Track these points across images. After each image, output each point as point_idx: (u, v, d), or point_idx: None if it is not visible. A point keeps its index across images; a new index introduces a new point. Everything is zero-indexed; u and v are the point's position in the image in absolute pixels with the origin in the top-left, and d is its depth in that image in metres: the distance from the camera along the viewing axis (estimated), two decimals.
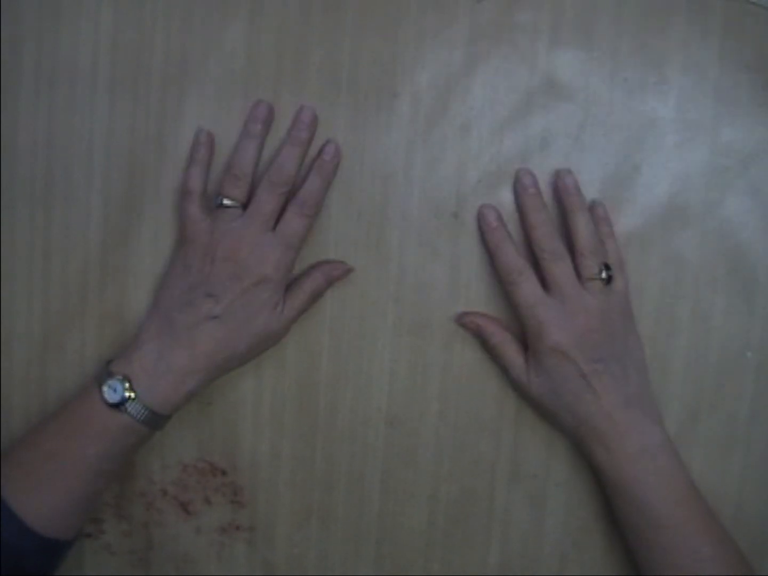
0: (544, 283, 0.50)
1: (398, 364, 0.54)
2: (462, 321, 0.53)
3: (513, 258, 0.50)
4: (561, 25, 0.51)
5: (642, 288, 0.52)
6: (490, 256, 0.52)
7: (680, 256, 0.52)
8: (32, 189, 0.55)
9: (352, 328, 0.54)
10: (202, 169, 0.52)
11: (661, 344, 0.52)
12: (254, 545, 0.57)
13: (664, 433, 0.50)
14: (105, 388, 0.48)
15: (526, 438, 0.54)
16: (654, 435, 0.49)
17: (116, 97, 0.54)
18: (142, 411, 0.48)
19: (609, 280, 0.49)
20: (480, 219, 0.52)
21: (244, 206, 0.50)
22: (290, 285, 0.52)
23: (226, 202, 0.50)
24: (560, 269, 0.49)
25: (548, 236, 0.50)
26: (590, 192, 0.52)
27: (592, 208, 0.51)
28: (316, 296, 0.53)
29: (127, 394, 0.48)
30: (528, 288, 0.50)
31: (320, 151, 0.52)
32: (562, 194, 0.51)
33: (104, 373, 0.49)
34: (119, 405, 0.48)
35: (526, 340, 0.51)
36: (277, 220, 0.50)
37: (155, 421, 0.49)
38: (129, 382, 0.48)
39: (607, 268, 0.49)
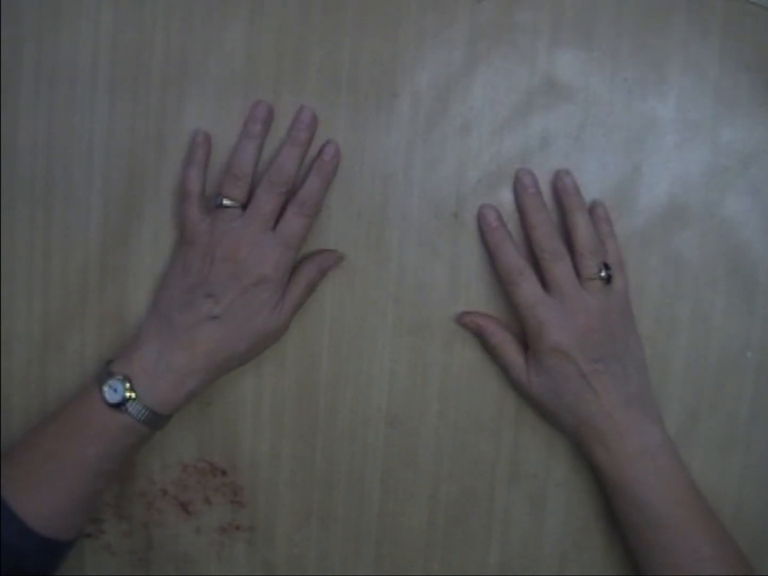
0: (544, 283, 0.50)
1: (398, 364, 0.54)
2: (462, 320, 0.53)
3: (513, 258, 0.50)
4: (561, 25, 0.51)
5: (642, 288, 0.52)
6: (490, 256, 0.52)
7: (680, 256, 0.52)
8: (32, 189, 0.55)
9: (352, 328, 0.54)
10: (200, 170, 0.52)
11: (661, 344, 0.52)
12: (254, 545, 0.57)
13: (664, 432, 0.50)
14: (105, 388, 0.48)
15: (526, 438, 0.54)
16: (654, 435, 0.49)
17: (116, 97, 0.54)
18: (143, 411, 0.48)
19: (608, 279, 0.49)
20: (480, 219, 0.52)
21: (244, 206, 0.50)
22: None
23: (225, 202, 0.50)
24: (560, 269, 0.49)
25: (548, 236, 0.50)
26: (590, 192, 0.52)
27: (591, 208, 0.51)
28: (311, 288, 0.53)
29: (127, 394, 0.48)
30: (528, 288, 0.50)
31: (320, 152, 0.52)
32: (561, 194, 0.51)
33: (104, 373, 0.49)
34: (120, 405, 0.48)
35: (526, 340, 0.51)
36: (278, 220, 0.50)
37: (155, 421, 0.49)
38: (129, 382, 0.49)
39: (607, 267, 0.49)
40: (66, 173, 0.54)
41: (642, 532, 0.48)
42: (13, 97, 0.54)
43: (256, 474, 0.56)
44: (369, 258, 0.54)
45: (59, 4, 0.53)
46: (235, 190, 0.50)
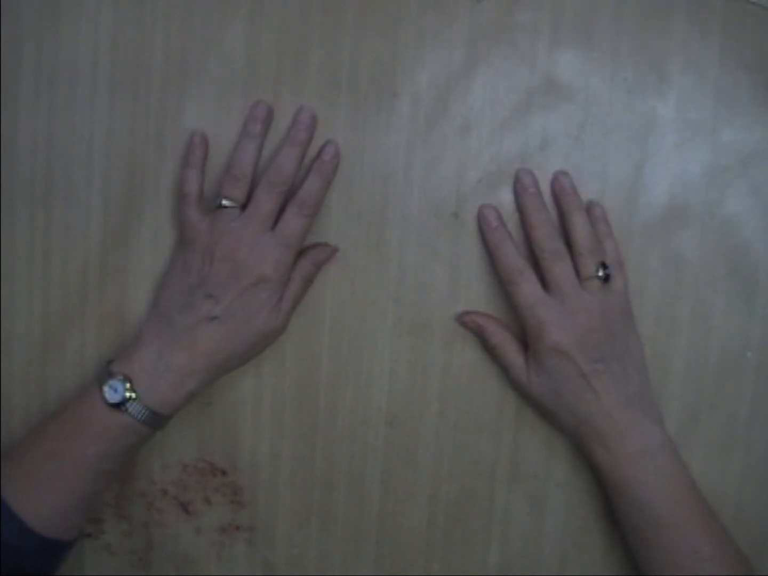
0: (544, 283, 0.50)
1: (398, 364, 0.54)
2: (463, 320, 0.53)
3: (513, 258, 0.50)
4: (561, 25, 0.51)
5: (642, 288, 0.52)
6: (490, 256, 0.52)
7: (680, 256, 0.52)
8: (32, 189, 0.55)
9: (352, 328, 0.54)
10: (198, 171, 0.52)
11: (661, 344, 0.52)
12: (254, 545, 0.57)
13: (664, 432, 0.50)
14: (106, 389, 0.48)
15: (526, 438, 0.54)
16: (654, 435, 0.49)
17: (116, 97, 0.54)
18: (143, 411, 0.48)
19: (607, 278, 0.49)
20: (480, 219, 0.52)
21: (244, 206, 0.50)
22: None
23: (225, 202, 0.50)
24: (560, 269, 0.49)
25: (548, 236, 0.50)
26: (590, 192, 0.52)
27: (589, 208, 0.51)
28: (307, 284, 0.53)
29: (127, 394, 0.48)
30: (528, 288, 0.50)
31: (320, 152, 0.52)
32: (559, 195, 0.51)
33: (105, 373, 0.49)
34: (120, 405, 0.48)
35: (526, 340, 0.51)
36: (278, 220, 0.50)
37: (156, 421, 0.49)
38: (130, 382, 0.49)
39: (605, 267, 0.49)
40: (66, 173, 0.54)
41: (642, 532, 0.48)
42: (13, 97, 0.54)
43: (256, 474, 0.56)
44: (369, 258, 0.54)
45: (59, 4, 0.53)
46: (235, 191, 0.50)
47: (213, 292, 0.49)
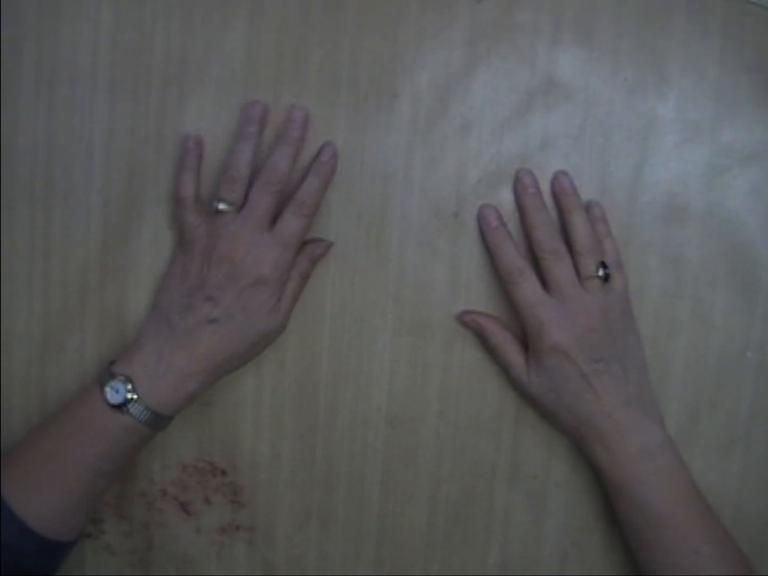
0: (544, 282, 0.50)
1: (398, 364, 0.54)
2: (463, 319, 0.53)
3: (513, 258, 0.50)
4: (561, 25, 0.51)
5: (642, 288, 0.52)
6: (491, 256, 0.52)
7: (680, 256, 0.52)
8: (32, 189, 0.55)
9: (352, 328, 0.54)
10: (193, 174, 0.52)
11: (661, 344, 0.52)
12: (254, 545, 0.57)
13: (664, 432, 0.50)
14: (107, 389, 0.48)
15: (526, 438, 0.54)
16: (654, 434, 0.49)
17: (116, 97, 0.54)
18: (144, 412, 0.48)
19: (607, 278, 0.49)
20: (480, 219, 0.52)
21: (242, 207, 0.50)
22: None
23: (221, 206, 0.50)
24: (560, 269, 0.49)
25: (548, 236, 0.50)
26: (590, 192, 0.52)
27: (588, 208, 0.51)
28: (305, 280, 0.53)
29: (129, 395, 0.48)
30: (528, 288, 0.50)
31: (318, 153, 0.52)
32: (559, 195, 0.51)
33: (106, 374, 0.49)
34: (121, 406, 0.48)
35: (526, 340, 0.51)
36: (276, 220, 0.50)
37: (157, 422, 0.49)
38: (131, 383, 0.49)
39: (605, 266, 0.49)
40: (66, 173, 0.54)
41: (642, 532, 0.48)
42: (13, 97, 0.54)
43: (256, 474, 0.56)
44: (369, 258, 0.54)
45: (59, 4, 0.53)
46: (231, 193, 0.50)
47: (212, 295, 0.49)
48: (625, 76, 0.51)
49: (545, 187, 0.52)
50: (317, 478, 0.56)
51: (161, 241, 0.54)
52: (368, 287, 0.54)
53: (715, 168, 0.51)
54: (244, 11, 0.53)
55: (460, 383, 0.54)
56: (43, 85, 0.54)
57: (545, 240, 0.50)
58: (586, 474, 0.53)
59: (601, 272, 0.49)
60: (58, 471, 0.48)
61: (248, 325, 0.50)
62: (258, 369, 0.55)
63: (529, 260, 0.51)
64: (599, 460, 0.49)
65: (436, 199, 0.53)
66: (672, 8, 0.51)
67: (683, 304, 0.52)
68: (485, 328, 0.52)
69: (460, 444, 0.54)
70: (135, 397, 0.48)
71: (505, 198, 0.52)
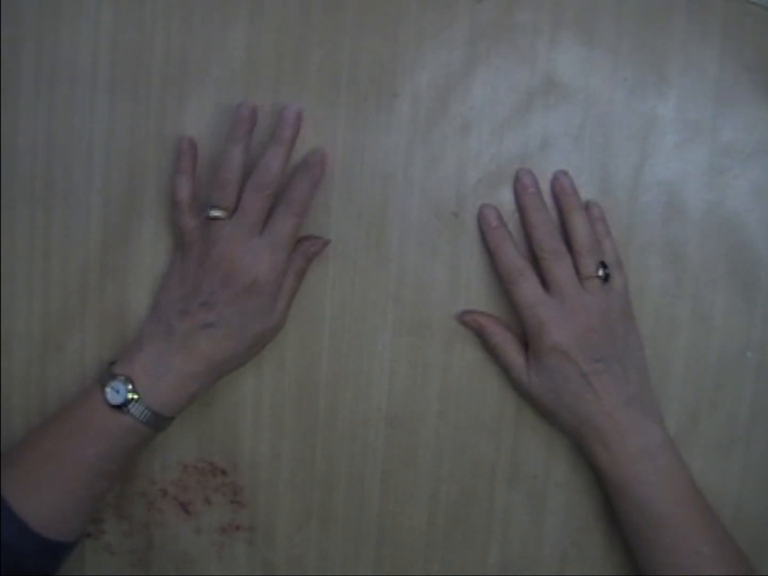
0: (544, 282, 0.50)
1: (398, 364, 0.54)
2: (464, 319, 0.53)
3: (513, 258, 0.50)
4: (561, 25, 0.51)
5: (642, 288, 0.52)
6: (491, 255, 0.52)
7: (680, 256, 0.52)
8: (32, 189, 0.55)
9: (352, 328, 0.54)
10: (188, 177, 0.51)
11: (661, 344, 0.52)
12: (254, 545, 0.57)
13: (664, 432, 0.50)
14: (107, 390, 0.48)
15: (526, 438, 0.54)
16: (654, 434, 0.49)
17: (116, 97, 0.54)
18: (145, 412, 0.48)
19: (606, 278, 0.49)
20: (480, 219, 0.52)
21: (236, 210, 0.49)
22: None
23: (213, 212, 0.49)
24: (561, 269, 0.49)
25: (549, 236, 0.50)
26: (590, 192, 0.52)
27: (587, 208, 0.51)
28: (301, 277, 0.52)
29: (129, 395, 0.48)
30: (528, 288, 0.50)
31: (307, 155, 0.51)
32: (559, 195, 0.51)
33: (106, 374, 0.49)
34: (122, 406, 0.48)
35: (526, 340, 0.51)
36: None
37: (157, 422, 0.49)
38: (131, 383, 0.49)
39: (605, 266, 0.49)
40: (66, 173, 0.54)
41: (642, 532, 0.48)
42: (13, 97, 0.54)
43: (256, 474, 0.56)
44: (369, 258, 0.54)
45: (59, 4, 0.53)
46: (223, 198, 0.49)
47: (207, 300, 0.49)
48: (625, 76, 0.51)
49: (545, 187, 0.52)
50: (317, 478, 0.56)
51: (161, 241, 0.54)
52: (368, 287, 0.54)
53: (715, 168, 0.51)
54: (244, 11, 0.53)
55: (460, 383, 0.54)
56: (43, 85, 0.54)
57: (545, 240, 0.50)
58: (586, 474, 0.53)
59: (601, 272, 0.49)
60: (58, 471, 0.48)
61: (245, 327, 0.50)
62: (258, 369, 0.55)
63: (529, 260, 0.51)
64: (599, 460, 0.49)
65: (436, 199, 0.53)
66: (672, 8, 0.51)
67: (683, 304, 0.52)
68: (486, 327, 0.52)
69: (460, 444, 0.54)
70: (135, 397, 0.48)
71: (505, 198, 0.52)
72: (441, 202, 0.53)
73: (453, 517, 0.55)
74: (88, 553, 0.57)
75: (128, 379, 0.49)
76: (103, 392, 0.48)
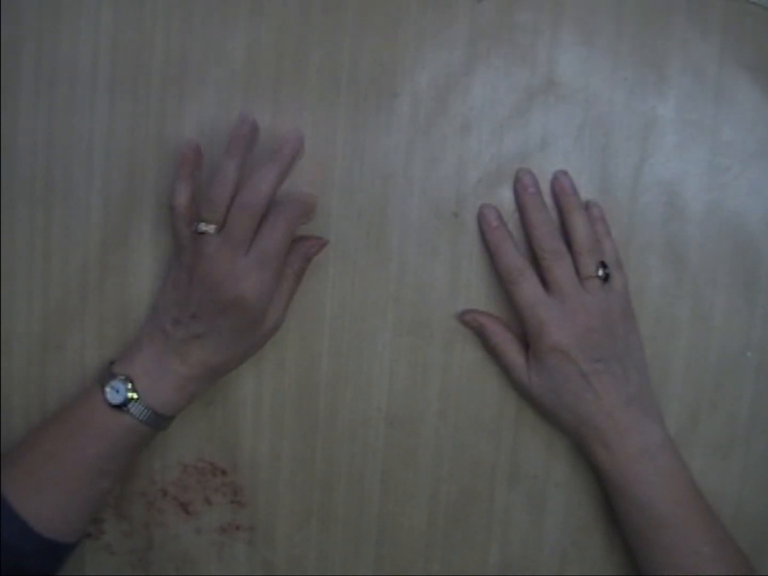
0: (545, 282, 0.50)
1: (398, 364, 0.54)
2: (464, 318, 0.53)
3: (513, 257, 0.50)
4: (561, 25, 0.51)
5: (642, 288, 0.52)
6: (491, 255, 0.52)
7: (680, 256, 0.52)
8: (32, 189, 0.55)
9: (352, 328, 0.54)
10: (188, 184, 0.49)
11: (661, 344, 0.52)
12: (254, 545, 0.57)
13: (664, 432, 0.50)
14: (107, 389, 0.48)
15: (526, 438, 0.54)
16: (654, 434, 0.49)
17: (116, 97, 0.54)
18: (145, 411, 0.48)
19: (606, 278, 0.49)
20: (480, 219, 0.52)
21: (224, 226, 0.48)
22: None
23: (201, 227, 0.48)
24: (561, 269, 0.49)
25: (549, 236, 0.50)
26: (590, 192, 0.52)
27: (587, 208, 0.51)
28: (299, 278, 0.52)
29: (129, 394, 0.48)
30: (528, 288, 0.50)
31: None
32: (558, 195, 0.51)
33: (106, 373, 0.49)
34: (122, 406, 0.48)
35: (526, 339, 0.51)
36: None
37: (158, 421, 0.49)
38: (131, 382, 0.49)
39: (605, 266, 0.49)
40: (66, 173, 0.54)
41: (642, 532, 0.48)
42: (13, 97, 0.54)
43: (256, 474, 0.56)
44: (369, 258, 0.54)
45: (59, 4, 0.53)
46: (211, 214, 0.47)
47: (196, 312, 0.48)
48: (625, 76, 0.51)
49: (545, 187, 0.52)
50: (317, 478, 0.56)
51: (161, 241, 0.54)
52: (368, 287, 0.54)
53: (715, 168, 0.51)
54: (244, 11, 0.53)
55: (460, 383, 0.54)
56: (43, 85, 0.54)
57: (545, 240, 0.50)
58: (586, 474, 0.53)
59: (600, 272, 0.49)
60: (58, 471, 0.48)
61: (235, 339, 0.49)
62: (258, 369, 0.55)
63: (529, 260, 0.51)
64: (599, 460, 0.49)
65: (436, 199, 0.53)
66: (672, 8, 0.51)
67: (683, 304, 0.52)
68: (486, 327, 0.52)
69: (460, 444, 0.54)
70: (135, 396, 0.48)
71: (505, 198, 0.52)
72: (441, 202, 0.53)
73: (453, 517, 0.55)
74: (87, 553, 0.57)
75: (128, 379, 0.49)
76: (103, 392, 0.48)
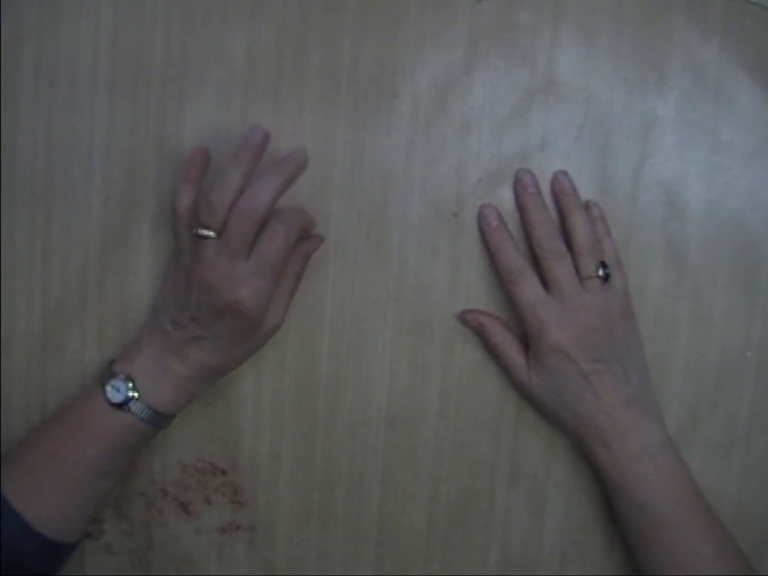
0: (545, 282, 0.50)
1: (398, 364, 0.54)
2: (464, 318, 0.53)
3: (513, 257, 0.50)
4: (561, 25, 0.51)
5: (642, 288, 0.52)
6: (491, 255, 0.52)
7: (680, 256, 0.52)
8: (32, 189, 0.55)
9: (352, 328, 0.54)
10: (191, 187, 0.48)
11: (661, 344, 0.52)
12: (254, 545, 0.57)
13: (664, 432, 0.50)
14: (108, 388, 0.48)
15: (526, 438, 0.54)
16: (654, 434, 0.49)
17: (116, 97, 0.54)
18: (145, 410, 0.48)
19: (606, 278, 0.49)
20: (480, 219, 0.52)
21: (223, 232, 0.47)
22: None
23: (200, 231, 0.47)
24: (561, 269, 0.49)
25: (549, 236, 0.50)
26: (590, 192, 0.52)
27: (587, 208, 0.51)
28: (299, 277, 0.52)
29: (130, 393, 0.48)
30: (528, 287, 0.50)
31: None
32: (559, 195, 0.51)
33: (107, 372, 0.49)
34: (122, 405, 0.48)
35: (527, 339, 0.51)
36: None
37: (158, 420, 0.49)
38: (132, 381, 0.49)
39: (605, 266, 0.49)
40: (66, 173, 0.54)
41: (642, 532, 0.48)
42: (13, 97, 0.54)
43: (256, 474, 0.56)
44: (369, 258, 0.54)
45: (59, 4, 0.53)
46: (213, 219, 0.47)
47: (194, 315, 0.48)
48: (625, 76, 0.51)
49: (545, 187, 0.52)
50: (317, 478, 0.56)
51: (161, 241, 0.54)
52: (368, 287, 0.54)
53: (715, 168, 0.51)
54: (244, 11, 0.53)
55: (460, 383, 0.54)
56: (43, 85, 0.54)
57: (545, 240, 0.50)
58: (586, 474, 0.53)
59: (600, 272, 0.49)
60: (59, 471, 0.48)
61: (234, 343, 0.49)
62: (258, 369, 0.55)
63: (529, 260, 0.51)
64: (599, 460, 0.49)
65: (436, 199, 0.53)
66: (672, 8, 0.51)
67: (683, 304, 0.52)
68: (486, 327, 0.52)
69: (460, 444, 0.54)
70: (136, 395, 0.48)
71: (505, 198, 0.52)
72: (441, 202, 0.53)
73: (453, 517, 0.55)
74: (87, 553, 0.57)
75: (128, 378, 0.49)
76: (103, 391, 0.48)
